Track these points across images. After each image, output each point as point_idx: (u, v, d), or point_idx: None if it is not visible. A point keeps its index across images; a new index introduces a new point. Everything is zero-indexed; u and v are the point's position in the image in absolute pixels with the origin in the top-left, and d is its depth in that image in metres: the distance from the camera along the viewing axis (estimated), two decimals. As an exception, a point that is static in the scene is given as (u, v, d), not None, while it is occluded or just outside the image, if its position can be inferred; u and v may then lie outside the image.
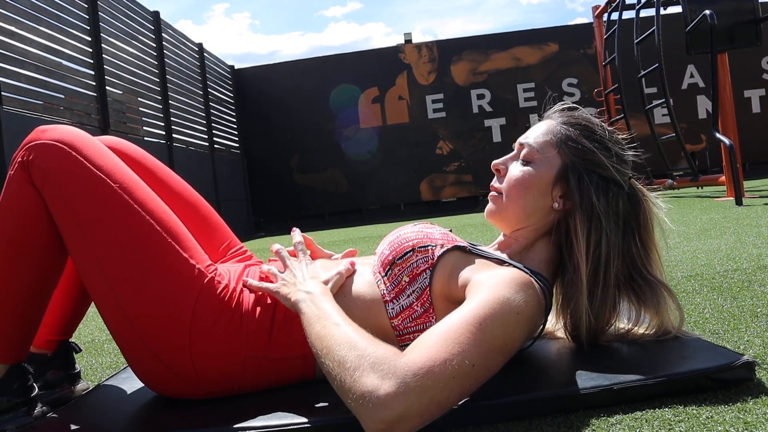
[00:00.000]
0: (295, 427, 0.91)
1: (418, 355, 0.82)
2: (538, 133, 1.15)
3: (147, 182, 1.15)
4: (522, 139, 1.16)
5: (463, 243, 1.11)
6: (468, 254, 1.08)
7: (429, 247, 1.09)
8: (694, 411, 0.88)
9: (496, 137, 10.95)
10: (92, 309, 1.57)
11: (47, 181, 1.04)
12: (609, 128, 1.15)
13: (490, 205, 1.17)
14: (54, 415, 1.11)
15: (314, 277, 1.10)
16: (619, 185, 1.09)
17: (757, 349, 1.13)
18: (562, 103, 1.19)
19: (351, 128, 11.04)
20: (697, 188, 7.27)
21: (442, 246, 1.09)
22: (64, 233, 1.06)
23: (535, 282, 1.01)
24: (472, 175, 11.07)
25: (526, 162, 1.13)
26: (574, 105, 1.18)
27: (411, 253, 1.08)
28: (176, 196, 1.29)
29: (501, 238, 1.19)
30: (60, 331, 1.28)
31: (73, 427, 1.04)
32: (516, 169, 1.14)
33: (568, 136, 1.11)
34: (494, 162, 1.18)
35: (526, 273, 1.02)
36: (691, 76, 10.79)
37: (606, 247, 1.06)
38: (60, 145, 1.05)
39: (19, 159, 1.06)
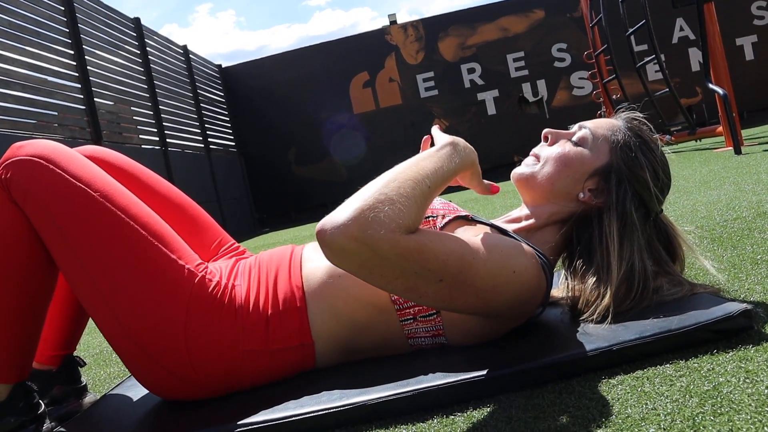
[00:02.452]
0: (300, 417, 0.91)
1: (418, 236, 0.88)
2: (600, 124, 1.15)
3: (130, 188, 1.14)
4: (583, 122, 1.17)
5: (465, 212, 1.10)
6: (470, 222, 1.08)
7: (430, 218, 1.08)
8: (695, 364, 0.87)
9: (491, 110, 10.87)
10: (94, 320, 1.57)
11: (28, 197, 1.03)
12: (665, 157, 1.14)
13: (521, 168, 1.17)
14: (62, 429, 1.11)
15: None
16: (648, 212, 1.10)
17: (758, 296, 1.12)
18: (635, 110, 1.18)
19: (339, 134, 10.93)
20: (696, 141, 7.22)
21: (443, 216, 1.08)
22: (51, 248, 1.05)
23: (537, 258, 1.00)
24: (470, 151, 11.02)
25: (576, 143, 1.13)
26: (645, 121, 1.16)
27: None
28: (162, 199, 1.28)
29: (512, 213, 1.18)
30: (62, 346, 1.28)
31: (80, 439, 1.04)
32: (564, 145, 1.14)
33: (627, 143, 1.11)
34: (548, 129, 1.18)
35: (530, 247, 1.02)
36: (681, 29, 10.66)
37: (641, 264, 1.06)
38: (37, 159, 1.05)
39: (-3, 178, 1.06)
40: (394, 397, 0.91)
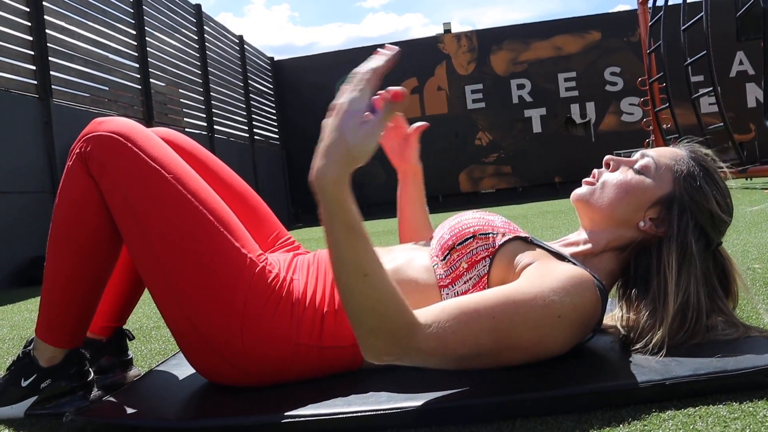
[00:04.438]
0: (348, 415, 0.92)
1: (433, 334, 0.90)
2: (664, 153, 1.14)
3: (199, 173, 1.17)
4: (645, 150, 1.16)
5: (525, 234, 1.10)
6: (529, 244, 1.08)
7: (490, 235, 1.08)
8: (750, 408, 0.86)
9: (536, 128, 10.81)
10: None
11: (104, 171, 1.07)
12: (728, 188, 1.13)
13: (582, 189, 1.16)
14: (110, 398, 1.14)
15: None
16: (709, 243, 1.09)
17: (815, 346, 1.10)
18: (698, 140, 1.18)
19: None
20: (746, 179, 7.06)
21: (503, 235, 1.08)
22: (120, 223, 1.09)
23: (595, 283, 1.00)
24: (511, 167, 10.96)
25: (638, 171, 1.12)
26: (708, 152, 1.15)
27: (472, 239, 1.08)
28: (227, 186, 1.31)
29: (569, 237, 1.18)
30: (115, 318, 1.32)
31: (128, 410, 1.07)
32: (626, 172, 1.13)
33: (690, 173, 1.10)
34: (609, 156, 1.18)
35: (587, 272, 1.01)
36: (740, 63, 10.45)
37: (696, 297, 1.04)
38: (116, 136, 1.08)
39: (78, 150, 1.10)
40: (441, 406, 0.91)
